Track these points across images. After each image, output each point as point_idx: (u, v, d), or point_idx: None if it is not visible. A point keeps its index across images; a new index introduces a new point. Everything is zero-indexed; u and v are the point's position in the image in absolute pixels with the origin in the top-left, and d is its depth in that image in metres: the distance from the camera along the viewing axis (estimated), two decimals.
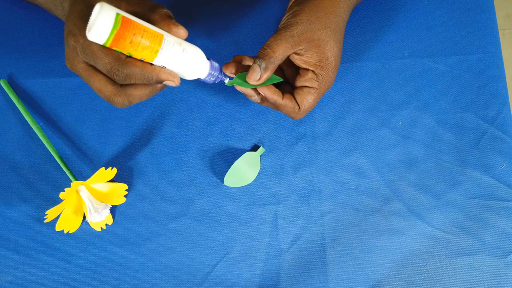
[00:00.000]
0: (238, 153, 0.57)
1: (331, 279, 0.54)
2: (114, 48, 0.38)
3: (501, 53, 0.59)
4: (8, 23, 0.60)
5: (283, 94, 0.49)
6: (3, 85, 0.58)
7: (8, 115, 0.58)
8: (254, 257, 0.55)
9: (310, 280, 0.54)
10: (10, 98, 0.58)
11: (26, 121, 0.57)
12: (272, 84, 0.51)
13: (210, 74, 0.45)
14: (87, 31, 0.37)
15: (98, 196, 0.54)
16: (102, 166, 0.55)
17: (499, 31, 0.60)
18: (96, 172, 0.51)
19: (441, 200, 0.55)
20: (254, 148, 0.57)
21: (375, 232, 0.55)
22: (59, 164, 0.56)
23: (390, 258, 0.54)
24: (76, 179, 0.55)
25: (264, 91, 0.48)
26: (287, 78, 0.52)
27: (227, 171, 0.55)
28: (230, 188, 0.56)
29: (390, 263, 0.54)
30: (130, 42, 0.38)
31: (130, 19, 0.38)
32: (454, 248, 0.54)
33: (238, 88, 0.48)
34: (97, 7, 0.37)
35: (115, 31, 0.37)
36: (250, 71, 0.47)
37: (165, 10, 0.41)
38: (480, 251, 0.54)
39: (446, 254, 0.54)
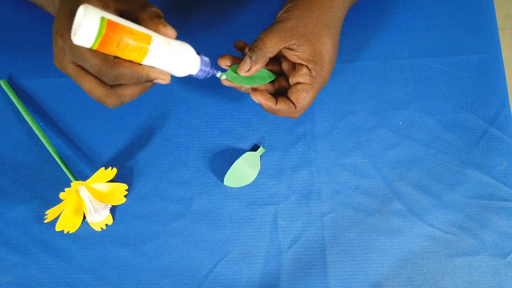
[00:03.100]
0: (238, 153, 0.57)
1: (331, 279, 0.54)
2: (101, 51, 0.38)
3: (501, 53, 0.59)
4: (8, 23, 0.60)
5: (277, 98, 0.49)
6: (3, 85, 0.58)
7: (8, 115, 0.58)
8: (254, 257, 0.55)
9: (310, 280, 0.54)
10: (10, 98, 0.58)
11: (26, 121, 0.57)
12: (269, 83, 0.51)
13: (201, 70, 0.44)
14: (72, 35, 0.36)
15: (98, 196, 0.54)
16: (102, 166, 0.55)
17: (499, 31, 0.60)
18: (96, 172, 0.51)
19: (441, 200, 0.55)
20: (254, 148, 0.57)
21: (375, 232, 0.55)
22: (59, 164, 0.56)
23: (390, 258, 0.54)
24: (76, 179, 0.55)
25: (258, 98, 0.49)
26: (286, 74, 0.52)
27: (227, 171, 0.55)
28: (230, 188, 0.56)
29: (390, 263, 0.54)
30: (117, 46, 0.37)
31: (116, 22, 0.37)
32: (454, 248, 0.54)
33: (226, 82, 0.49)
34: (81, 9, 0.36)
35: (100, 36, 0.36)
36: (241, 63, 0.48)
37: (154, 8, 0.41)
38: (480, 251, 0.54)
39: (446, 254, 0.54)
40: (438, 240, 0.55)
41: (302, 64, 0.48)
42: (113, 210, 0.56)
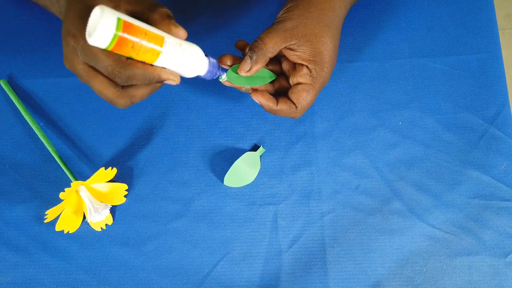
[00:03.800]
0: (238, 153, 0.57)
1: (331, 279, 0.54)
2: (115, 52, 0.38)
3: (501, 53, 0.59)
4: (8, 23, 0.60)
5: (277, 98, 0.49)
6: (3, 85, 0.58)
7: (8, 115, 0.58)
8: (254, 257, 0.55)
9: (310, 280, 0.54)
10: (10, 98, 0.58)
11: (26, 121, 0.57)
12: (270, 83, 0.51)
13: (209, 71, 0.45)
14: (87, 36, 0.37)
15: (98, 196, 0.54)
16: (102, 166, 0.55)
17: (499, 31, 0.60)
18: (96, 172, 0.51)
19: (441, 200, 0.55)
20: (254, 148, 0.57)
21: (375, 232, 0.55)
22: (59, 164, 0.56)
23: (390, 258, 0.54)
24: (76, 179, 0.55)
25: (259, 99, 0.49)
26: (287, 74, 0.52)
27: (227, 171, 0.55)
28: (230, 188, 0.56)
29: (390, 263, 0.54)
30: (132, 47, 0.38)
31: (131, 24, 0.37)
32: (454, 248, 0.54)
33: (227, 83, 0.49)
34: (97, 10, 0.36)
35: (117, 37, 0.36)
36: (242, 63, 0.48)
37: (164, 9, 0.41)
38: (480, 251, 0.54)
39: (446, 254, 0.54)
40: (438, 240, 0.55)
41: (302, 64, 0.48)
42: (113, 210, 0.56)
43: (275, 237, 0.55)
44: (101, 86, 0.41)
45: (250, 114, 0.58)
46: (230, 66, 0.49)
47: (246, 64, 0.47)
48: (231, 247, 0.55)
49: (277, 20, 0.49)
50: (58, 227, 0.53)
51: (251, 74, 0.48)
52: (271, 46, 0.47)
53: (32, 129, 0.57)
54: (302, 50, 0.47)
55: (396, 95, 0.58)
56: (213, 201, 0.56)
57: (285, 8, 0.49)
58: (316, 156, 0.57)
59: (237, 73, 0.48)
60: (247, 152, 0.56)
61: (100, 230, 0.55)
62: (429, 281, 0.54)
